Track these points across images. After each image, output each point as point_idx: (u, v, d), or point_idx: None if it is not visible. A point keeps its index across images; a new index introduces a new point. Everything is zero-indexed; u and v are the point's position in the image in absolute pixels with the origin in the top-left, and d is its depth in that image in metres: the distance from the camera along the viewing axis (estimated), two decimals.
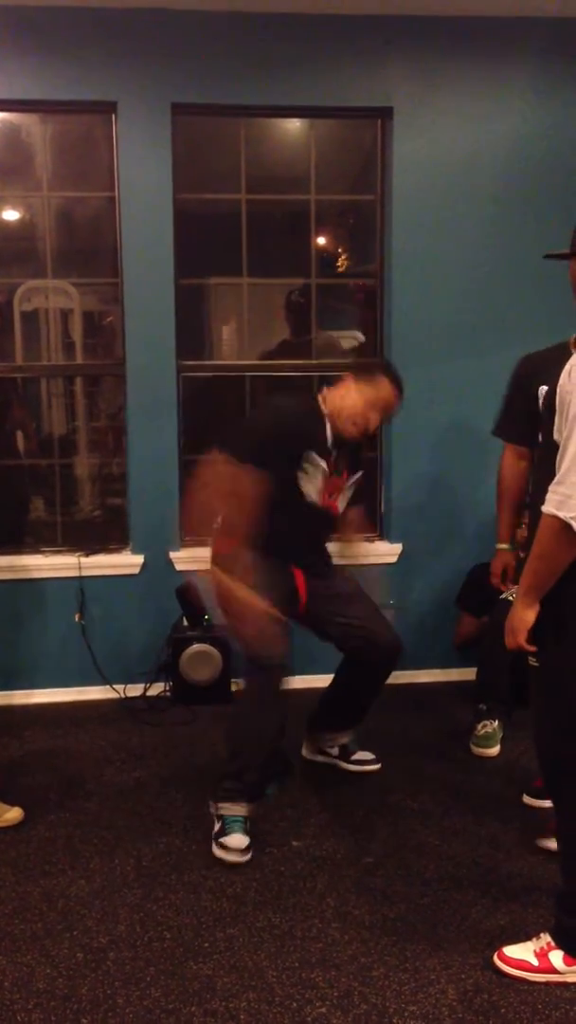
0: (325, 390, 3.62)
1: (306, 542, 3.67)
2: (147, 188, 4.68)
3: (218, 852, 3.26)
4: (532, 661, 2.54)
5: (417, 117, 4.78)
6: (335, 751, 4.00)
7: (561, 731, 2.54)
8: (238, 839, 3.26)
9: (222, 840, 3.27)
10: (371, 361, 4.71)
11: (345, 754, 3.98)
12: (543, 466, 2.46)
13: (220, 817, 3.34)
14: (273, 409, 3.79)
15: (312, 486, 3.52)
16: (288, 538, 3.52)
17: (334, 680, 3.87)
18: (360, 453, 3.80)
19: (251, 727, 3.42)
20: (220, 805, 3.35)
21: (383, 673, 3.76)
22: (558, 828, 2.70)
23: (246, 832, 3.30)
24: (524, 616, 2.47)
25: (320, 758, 4.02)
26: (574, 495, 2.28)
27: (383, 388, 3.51)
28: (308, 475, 3.50)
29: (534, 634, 2.49)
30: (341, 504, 3.69)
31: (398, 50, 4.73)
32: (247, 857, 3.23)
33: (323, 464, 3.51)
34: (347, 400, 3.51)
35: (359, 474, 3.75)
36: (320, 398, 3.60)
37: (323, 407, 3.55)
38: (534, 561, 2.42)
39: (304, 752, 4.06)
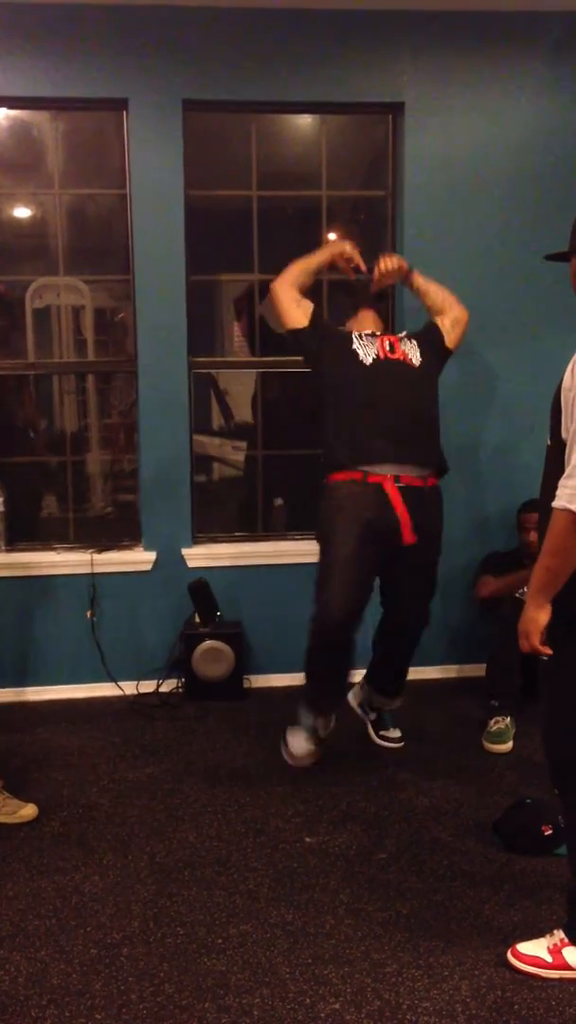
0: None
1: (389, 418, 3.74)
2: (158, 185, 4.68)
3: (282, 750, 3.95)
4: (544, 658, 2.53)
5: (428, 112, 4.77)
6: (372, 716, 4.23)
7: (570, 727, 2.53)
8: (296, 739, 3.88)
9: (285, 737, 3.93)
10: None
11: (377, 726, 4.23)
12: (552, 466, 2.46)
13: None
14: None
15: (364, 352, 3.82)
16: (363, 420, 3.74)
17: (374, 640, 4.09)
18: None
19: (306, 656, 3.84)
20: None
21: (407, 641, 4.00)
22: (566, 826, 2.69)
23: (308, 740, 3.87)
24: (536, 618, 2.45)
25: (358, 711, 4.23)
26: None
27: None
28: (357, 347, 3.85)
29: (545, 630, 2.48)
30: (412, 354, 3.87)
31: (409, 45, 4.71)
32: (296, 761, 3.88)
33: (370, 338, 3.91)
34: None
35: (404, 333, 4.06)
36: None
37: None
38: (546, 559, 2.41)
39: (350, 697, 4.21)
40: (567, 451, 2.33)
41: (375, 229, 5.07)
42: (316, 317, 4.00)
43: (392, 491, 3.65)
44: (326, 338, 3.96)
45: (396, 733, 4.20)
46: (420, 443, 3.78)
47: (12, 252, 4.92)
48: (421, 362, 3.88)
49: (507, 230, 4.84)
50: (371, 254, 5.02)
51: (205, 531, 5.04)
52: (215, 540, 5.05)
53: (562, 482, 2.33)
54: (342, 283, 4.99)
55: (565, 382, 2.37)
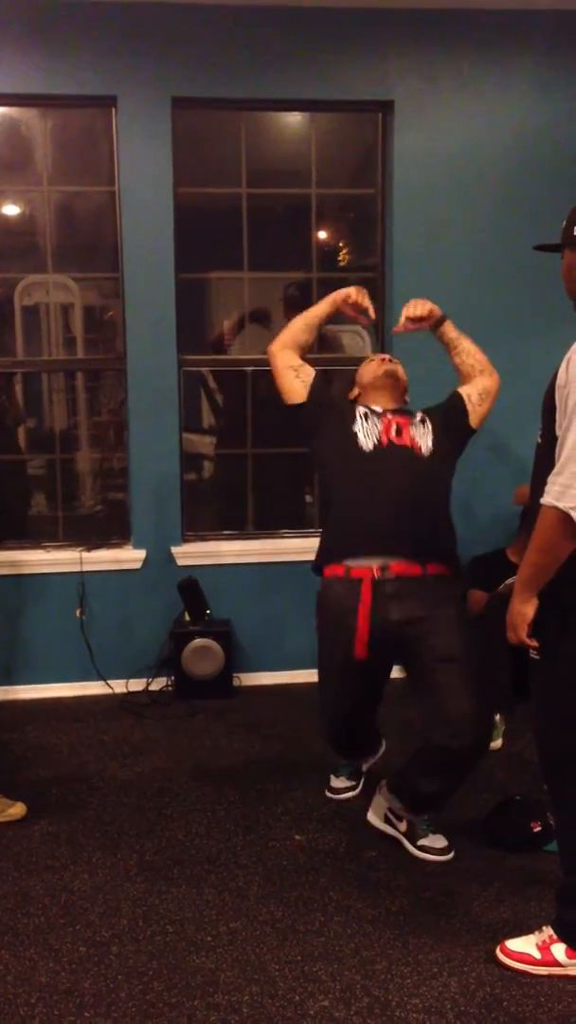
0: None
1: (382, 511, 3.16)
2: (147, 182, 4.67)
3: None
4: (533, 654, 2.53)
5: (418, 111, 4.77)
6: (403, 826, 3.31)
7: (564, 723, 2.53)
8: (336, 780, 3.74)
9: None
10: None
11: (412, 834, 3.29)
12: (542, 463, 2.46)
13: None
14: None
15: (365, 435, 3.27)
16: (355, 510, 3.22)
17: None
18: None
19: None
20: None
21: (449, 765, 3.07)
22: (556, 822, 2.69)
23: (348, 776, 3.74)
24: (523, 611, 2.46)
25: (385, 827, 3.37)
26: (574, 485, 2.28)
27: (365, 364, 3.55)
28: (358, 428, 3.30)
29: (536, 626, 2.49)
30: (422, 441, 3.27)
31: (399, 43, 4.71)
32: (339, 796, 3.70)
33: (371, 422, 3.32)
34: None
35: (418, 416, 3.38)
36: None
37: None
38: (532, 554, 2.42)
39: (369, 815, 3.44)
40: (558, 448, 2.33)
41: (365, 227, 5.07)
42: (316, 388, 3.48)
43: (365, 591, 3.11)
44: (325, 415, 3.42)
45: (440, 842, 3.25)
46: (420, 534, 3.18)
47: (1, 249, 4.90)
48: (432, 451, 3.27)
49: (497, 228, 4.84)
50: (360, 252, 5.03)
51: (195, 529, 5.04)
52: (205, 538, 5.05)
53: (551, 478, 2.33)
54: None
55: (559, 379, 2.37)
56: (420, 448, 3.26)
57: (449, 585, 3.25)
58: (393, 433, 3.27)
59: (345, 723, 3.52)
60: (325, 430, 3.39)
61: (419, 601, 3.13)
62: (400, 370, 3.49)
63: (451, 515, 3.35)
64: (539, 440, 2.51)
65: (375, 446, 3.24)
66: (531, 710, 2.65)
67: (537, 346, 4.61)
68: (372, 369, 3.47)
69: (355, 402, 3.45)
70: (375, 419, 3.30)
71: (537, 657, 2.52)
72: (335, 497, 3.35)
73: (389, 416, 3.32)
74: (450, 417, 3.43)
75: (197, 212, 4.89)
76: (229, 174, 4.92)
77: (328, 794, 3.70)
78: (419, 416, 3.37)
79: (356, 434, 3.27)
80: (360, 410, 3.34)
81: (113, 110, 4.67)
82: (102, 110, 4.72)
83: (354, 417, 3.32)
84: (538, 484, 2.45)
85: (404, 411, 3.39)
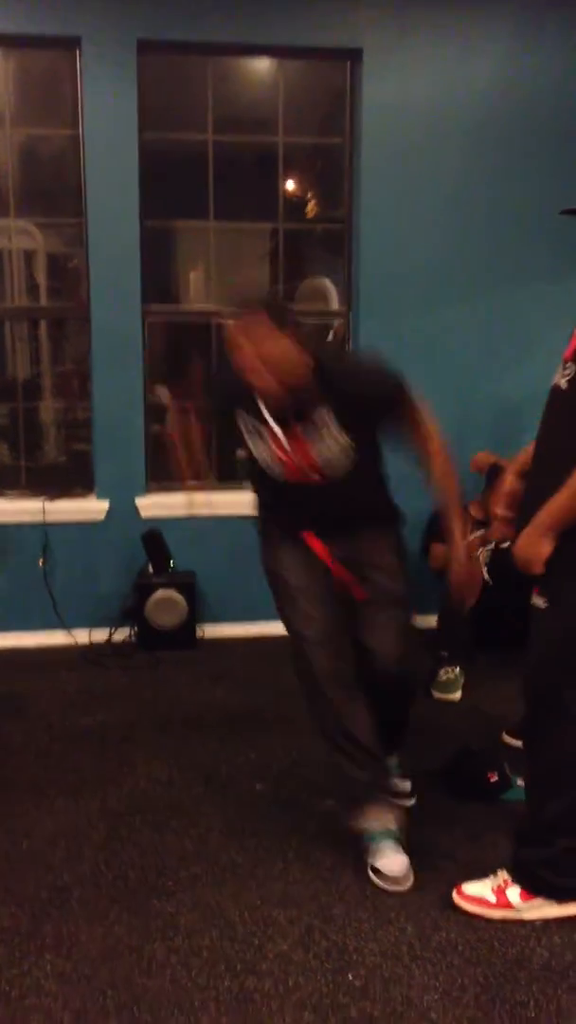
0: None
1: (299, 516, 2.96)
2: (112, 126, 4.60)
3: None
4: (539, 602, 2.52)
5: (388, 59, 4.71)
6: None
7: (565, 670, 2.52)
8: (386, 859, 2.83)
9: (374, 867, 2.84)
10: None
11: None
12: (566, 407, 2.42)
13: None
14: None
15: (264, 451, 2.82)
16: (279, 514, 3.03)
17: None
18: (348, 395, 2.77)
19: (313, 724, 2.97)
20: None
21: (384, 697, 2.95)
22: (533, 767, 2.69)
23: (394, 848, 2.84)
24: (541, 550, 2.44)
25: None
26: None
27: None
28: (253, 439, 2.84)
29: (546, 574, 2.47)
30: (324, 458, 2.77)
31: None
32: (402, 883, 2.79)
33: (261, 425, 2.78)
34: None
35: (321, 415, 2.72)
36: None
37: None
38: (566, 498, 2.38)
39: None
40: None
41: (332, 178, 5.02)
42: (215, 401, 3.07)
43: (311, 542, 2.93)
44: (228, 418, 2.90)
45: (404, 785, 3.18)
46: (356, 519, 2.94)
47: None
48: (344, 447, 2.78)
49: (468, 180, 4.79)
50: (329, 203, 4.96)
51: (158, 480, 5.02)
52: (168, 490, 5.03)
53: None
54: None
55: None
56: (325, 471, 2.80)
57: (387, 532, 3.01)
58: (291, 458, 2.79)
59: (324, 630, 2.87)
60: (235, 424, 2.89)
61: (358, 545, 2.92)
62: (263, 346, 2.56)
63: (382, 475, 3.02)
64: (564, 385, 2.44)
65: (282, 479, 2.85)
66: (527, 650, 2.60)
67: (507, 300, 4.60)
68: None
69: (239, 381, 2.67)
70: (264, 434, 2.78)
71: (543, 605, 2.51)
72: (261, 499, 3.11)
73: (277, 430, 2.75)
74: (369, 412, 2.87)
75: (162, 158, 4.81)
76: (195, 120, 4.84)
77: (380, 883, 2.80)
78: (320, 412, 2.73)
79: (264, 458, 2.84)
80: (245, 417, 2.81)
81: (77, 52, 4.57)
82: (66, 51, 4.62)
83: (248, 420, 2.80)
84: (558, 429, 2.43)
85: (297, 408, 2.71)
